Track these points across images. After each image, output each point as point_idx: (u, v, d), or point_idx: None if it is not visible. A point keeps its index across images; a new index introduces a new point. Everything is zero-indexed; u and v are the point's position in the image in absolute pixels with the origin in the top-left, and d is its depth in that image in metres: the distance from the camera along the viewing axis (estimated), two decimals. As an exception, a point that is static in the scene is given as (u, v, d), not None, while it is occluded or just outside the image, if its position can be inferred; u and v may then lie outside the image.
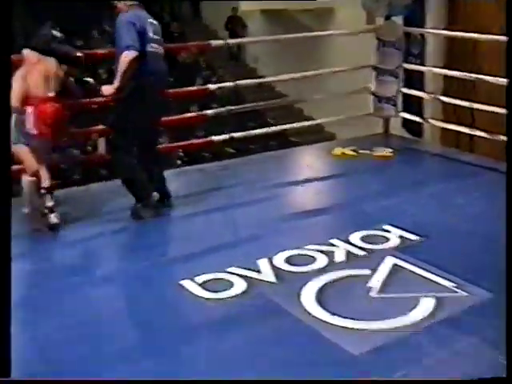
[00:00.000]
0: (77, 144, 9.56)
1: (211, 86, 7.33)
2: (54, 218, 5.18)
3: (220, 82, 8.37)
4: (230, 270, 4.28)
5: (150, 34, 5.40)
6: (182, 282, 4.15)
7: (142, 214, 5.41)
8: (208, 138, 7.15)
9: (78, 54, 5.58)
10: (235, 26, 17.03)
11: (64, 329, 3.77)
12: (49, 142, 5.32)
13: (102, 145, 6.82)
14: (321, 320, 3.68)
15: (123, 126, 5.41)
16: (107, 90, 5.30)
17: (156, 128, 5.76)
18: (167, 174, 5.84)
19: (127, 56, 5.19)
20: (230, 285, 4.11)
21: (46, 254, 4.96)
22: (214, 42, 7.44)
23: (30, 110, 5.21)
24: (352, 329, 3.58)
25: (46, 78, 5.28)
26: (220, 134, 7.11)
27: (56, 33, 5.41)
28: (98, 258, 4.94)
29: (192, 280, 4.16)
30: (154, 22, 5.53)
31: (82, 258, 4.90)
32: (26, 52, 5.34)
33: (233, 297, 3.99)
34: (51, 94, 5.28)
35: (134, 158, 5.48)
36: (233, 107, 7.35)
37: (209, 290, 4.04)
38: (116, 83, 5.26)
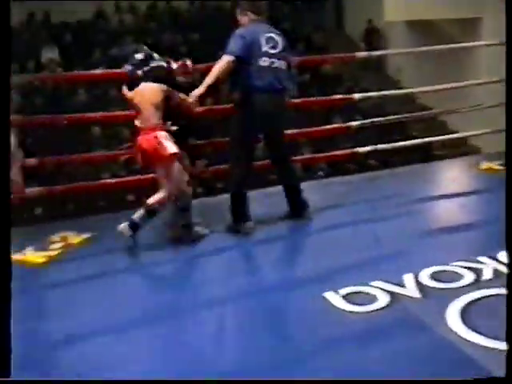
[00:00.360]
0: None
1: (356, 96, 7.32)
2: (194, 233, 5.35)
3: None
4: (373, 283, 4.24)
5: (265, 48, 5.42)
6: (324, 294, 4.16)
7: (236, 229, 5.49)
8: (353, 149, 7.14)
9: (176, 64, 5.55)
10: (372, 37, 16.96)
11: (205, 338, 3.86)
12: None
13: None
14: (465, 339, 3.58)
15: (234, 140, 5.49)
16: (196, 90, 5.36)
17: (280, 141, 5.69)
18: (311, 184, 5.87)
19: (223, 59, 5.30)
20: (374, 298, 4.07)
21: (185, 264, 5.12)
22: (359, 54, 7.43)
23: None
24: (498, 350, 3.44)
25: (139, 110, 5.29)
26: (364, 146, 7.08)
27: (138, 56, 5.44)
28: (238, 268, 5.02)
29: (335, 292, 4.16)
30: (275, 36, 5.53)
31: (223, 269, 4.99)
32: (123, 89, 5.49)
33: (375, 310, 3.95)
34: (147, 124, 5.22)
35: (246, 174, 5.50)
36: (376, 119, 7.31)
37: (351, 303, 4.03)
38: (205, 82, 5.34)
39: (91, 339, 3.98)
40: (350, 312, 3.95)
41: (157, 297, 4.54)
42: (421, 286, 4.20)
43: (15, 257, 5.23)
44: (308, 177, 9.44)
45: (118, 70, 6.03)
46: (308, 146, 10.93)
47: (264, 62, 5.39)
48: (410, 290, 4.17)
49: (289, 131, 6.04)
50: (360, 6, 17.84)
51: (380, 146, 7.10)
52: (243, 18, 5.56)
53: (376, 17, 16.72)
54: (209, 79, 5.31)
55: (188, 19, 16.19)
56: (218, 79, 5.33)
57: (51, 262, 5.19)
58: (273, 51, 5.45)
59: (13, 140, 5.78)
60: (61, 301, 4.60)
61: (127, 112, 6.06)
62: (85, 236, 5.59)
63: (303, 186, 5.79)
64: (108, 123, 11.53)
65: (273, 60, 5.44)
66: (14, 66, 13.05)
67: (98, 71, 7.31)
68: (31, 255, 5.29)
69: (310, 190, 5.81)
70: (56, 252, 5.33)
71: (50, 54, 13.48)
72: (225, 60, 5.29)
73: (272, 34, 5.52)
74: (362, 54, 7.79)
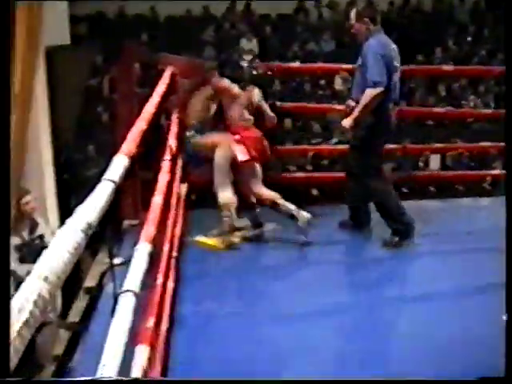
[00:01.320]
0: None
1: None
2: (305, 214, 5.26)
3: None
4: None
5: (395, 63, 5.26)
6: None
7: (393, 242, 5.27)
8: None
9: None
10: None
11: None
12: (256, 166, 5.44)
13: (434, 161, 6.79)
14: None
15: (369, 152, 5.31)
16: (346, 122, 5.23)
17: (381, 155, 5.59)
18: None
19: (373, 93, 5.09)
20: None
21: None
22: None
23: (236, 137, 5.37)
24: None
25: (246, 107, 5.42)
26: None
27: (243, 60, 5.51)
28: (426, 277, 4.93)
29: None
30: (396, 47, 5.35)
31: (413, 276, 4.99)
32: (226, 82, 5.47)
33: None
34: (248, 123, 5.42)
35: (386, 184, 5.37)
36: None
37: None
38: (355, 115, 5.17)
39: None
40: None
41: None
42: None
43: (198, 238, 5.41)
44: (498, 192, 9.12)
45: (314, 65, 6.08)
46: (498, 159, 10.55)
47: (395, 76, 5.27)
48: None
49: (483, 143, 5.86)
50: None
51: None
52: (362, 27, 5.26)
53: None
54: (361, 113, 5.15)
55: (386, 20, 16.03)
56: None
57: (231, 248, 5.32)
58: (398, 65, 5.33)
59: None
60: (231, 286, 4.80)
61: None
62: (270, 226, 5.65)
63: (494, 200, 5.61)
64: (301, 115, 11.67)
65: (398, 74, 5.32)
66: (215, 53, 13.48)
67: (295, 64, 7.44)
68: (213, 239, 5.43)
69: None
70: (238, 239, 5.43)
71: (248, 44, 13.79)
72: (374, 94, 5.09)
73: (395, 47, 5.35)
74: None
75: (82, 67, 12.24)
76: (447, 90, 12.89)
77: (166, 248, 3.76)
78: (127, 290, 2.30)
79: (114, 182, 2.40)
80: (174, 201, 4.59)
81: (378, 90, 5.09)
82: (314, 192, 10.39)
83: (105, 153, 9.75)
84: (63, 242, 1.79)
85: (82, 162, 10.29)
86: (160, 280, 3.34)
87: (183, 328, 3.92)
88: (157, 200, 3.41)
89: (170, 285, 3.92)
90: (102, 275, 4.98)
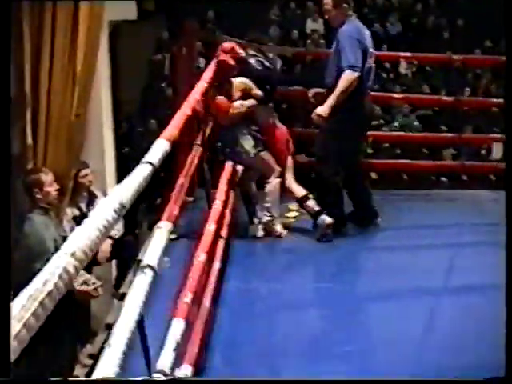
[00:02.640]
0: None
1: None
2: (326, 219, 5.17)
3: None
4: None
5: (370, 49, 5.18)
6: None
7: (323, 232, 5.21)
8: None
9: None
10: None
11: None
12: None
13: (496, 150, 6.71)
14: None
15: (338, 139, 5.21)
16: (322, 110, 5.07)
17: (361, 145, 5.64)
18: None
19: (350, 77, 5.00)
20: None
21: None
22: None
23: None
24: None
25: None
26: None
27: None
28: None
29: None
30: (369, 32, 5.30)
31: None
32: None
33: None
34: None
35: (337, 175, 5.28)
36: None
37: None
38: (331, 102, 5.04)
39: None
40: None
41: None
42: None
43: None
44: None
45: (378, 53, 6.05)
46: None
47: (368, 63, 5.20)
48: None
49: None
50: None
51: None
52: (339, 13, 5.18)
53: None
54: (335, 100, 5.03)
55: (454, 4, 15.70)
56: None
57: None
58: (372, 50, 5.26)
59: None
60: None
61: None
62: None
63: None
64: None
65: (372, 60, 5.26)
66: (280, 33, 13.46)
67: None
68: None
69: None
70: (289, 220, 5.50)
71: (313, 25, 13.75)
72: (351, 79, 5.01)
73: (369, 32, 5.32)
74: None
75: (148, 42, 12.36)
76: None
77: (211, 227, 3.82)
78: (146, 266, 2.37)
79: (152, 164, 2.48)
80: (224, 184, 4.66)
81: (356, 74, 5.02)
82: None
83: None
84: (94, 220, 1.87)
85: (142, 135, 10.42)
86: (201, 257, 3.40)
87: (226, 306, 4.01)
88: (180, 181, 3.50)
89: (216, 263, 3.99)
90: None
